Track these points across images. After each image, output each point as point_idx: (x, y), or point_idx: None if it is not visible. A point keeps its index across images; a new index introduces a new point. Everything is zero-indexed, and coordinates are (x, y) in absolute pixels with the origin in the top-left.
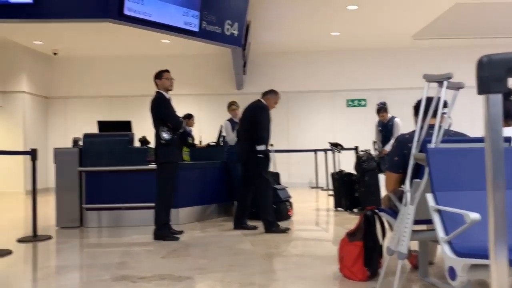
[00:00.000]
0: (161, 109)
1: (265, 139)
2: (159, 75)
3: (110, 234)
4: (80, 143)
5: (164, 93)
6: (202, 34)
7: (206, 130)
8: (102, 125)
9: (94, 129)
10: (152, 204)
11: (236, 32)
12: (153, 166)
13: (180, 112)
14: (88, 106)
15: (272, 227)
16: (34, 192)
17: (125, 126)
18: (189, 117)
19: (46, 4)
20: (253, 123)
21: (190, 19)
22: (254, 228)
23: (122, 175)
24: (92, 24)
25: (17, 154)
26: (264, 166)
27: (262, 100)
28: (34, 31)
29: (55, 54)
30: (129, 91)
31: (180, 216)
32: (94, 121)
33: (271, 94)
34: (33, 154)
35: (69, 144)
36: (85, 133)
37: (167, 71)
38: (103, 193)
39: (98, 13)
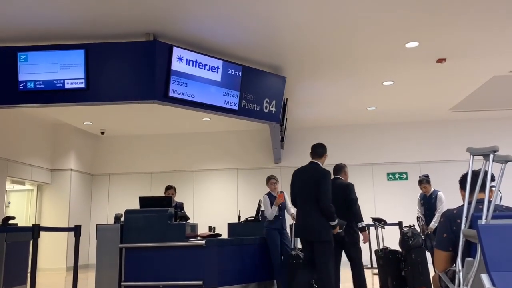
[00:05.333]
0: None
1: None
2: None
3: None
4: (122, 219)
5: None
6: (241, 112)
7: (244, 204)
8: (144, 201)
9: (136, 204)
10: (189, 282)
11: (274, 109)
12: (192, 242)
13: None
14: (130, 182)
15: None
16: (75, 269)
17: (166, 201)
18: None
19: (98, 89)
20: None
21: (231, 99)
22: None
23: (161, 252)
24: (137, 105)
25: (62, 230)
26: None
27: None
28: (85, 113)
29: (102, 133)
30: (170, 166)
31: None
32: (135, 196)
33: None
34: (76, 230)
35: (111, 218)
36: (126, 209)
37: None
38: (142, 270)
39: (145, 95)
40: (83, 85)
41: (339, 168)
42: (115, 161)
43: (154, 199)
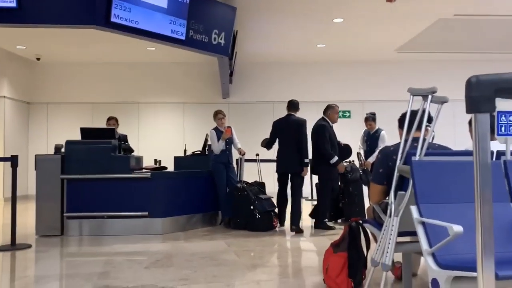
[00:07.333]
0: None
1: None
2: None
3: (91, 243)
4: (62, 150)
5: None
6: (188, 43)
7: (190, 139)
8: (85, 132)
9: (76, 136)
10: (134, 213)
11: (223, 42)
12: (137, 174)
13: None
14: (71, 112)
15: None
16: (13, 200)
17: (109, 133)
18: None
19: (31, 9)
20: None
21: (177, 28)
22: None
23: (105, 183)
24: (77, 30)
25: None
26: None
27: (324, 117)
28: (17, 36)
29: (38, 59)
30: (113, 97)
31: (163, 225)
32: (76, 127)
33: (330, 109)
34: (13, 160)
35: (50, 150)
36: (67, 140)
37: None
38: (85, 201)
39: (84, 19)
40: (13, 4)
41: (327, 108)
42: (53, 89)
43: (96, 130)
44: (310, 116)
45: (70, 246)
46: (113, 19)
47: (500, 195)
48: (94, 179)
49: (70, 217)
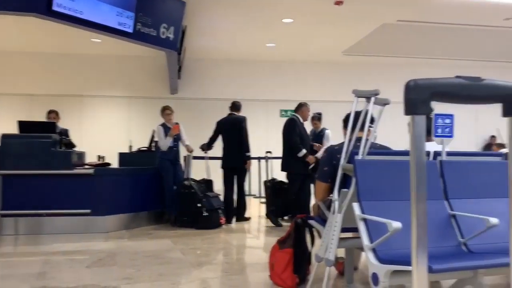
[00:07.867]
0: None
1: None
2: None
3: (28, 242)
4: None
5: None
6: (136, 36)
7: (137, 134)
8: (24, 125)
9: (13, 129)
10: (76, 211)
11: (171, 36)
12: (79, 170)
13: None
14: (6, 105)
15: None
16: None
17: (49, 127)
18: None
19: None
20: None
21: (124, 20)
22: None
23: (44, 180)
24: (15, 16)
25: None
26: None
27: (296, 115)
28: None
29: None
30: (54, 90)
31: (107, 223)
32: (12, 120)
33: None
34: None
35: None
36: (3, 133)
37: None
38: (23, 198)
39: (23, 6)
40: None
41: (299, 106)
42: None
43: (35, 124)
44: (258, 114)
45: (5, 246)
46: (54, 8)
47: (435, 193)
48: (33, 175)
49: (5, 215)
